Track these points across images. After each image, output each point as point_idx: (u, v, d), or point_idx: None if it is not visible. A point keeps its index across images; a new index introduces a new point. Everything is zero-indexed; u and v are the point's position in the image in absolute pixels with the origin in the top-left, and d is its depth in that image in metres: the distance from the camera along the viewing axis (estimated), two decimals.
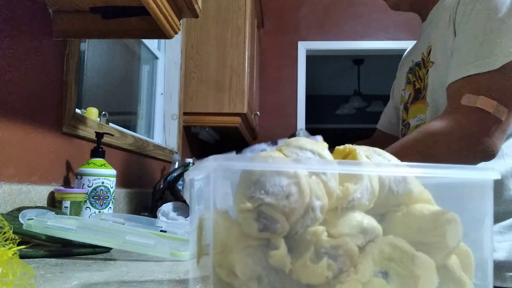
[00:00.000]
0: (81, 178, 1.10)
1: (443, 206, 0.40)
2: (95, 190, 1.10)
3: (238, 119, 2.36)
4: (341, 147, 0.43)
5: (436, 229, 0.38)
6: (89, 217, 1.07)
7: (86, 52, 1.54)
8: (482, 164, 0.86)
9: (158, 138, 2.26)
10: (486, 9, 0.86)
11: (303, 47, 3.39)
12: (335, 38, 3.40)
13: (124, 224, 0.88)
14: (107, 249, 0.77)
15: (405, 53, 1.26)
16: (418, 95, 1.04)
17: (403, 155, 0.59)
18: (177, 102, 2.31)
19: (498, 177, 0.40)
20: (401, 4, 1.11)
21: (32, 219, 0.71)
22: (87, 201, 1.09)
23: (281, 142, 0.88)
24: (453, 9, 0.93)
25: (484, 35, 0.85)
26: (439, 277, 0.37)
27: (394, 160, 0.43)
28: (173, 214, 1.20)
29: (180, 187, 1.73)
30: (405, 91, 1.11)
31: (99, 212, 1.10)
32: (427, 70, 0.99)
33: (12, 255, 0.38)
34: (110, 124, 1.54)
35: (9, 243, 0.40)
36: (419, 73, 1.04)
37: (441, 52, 0.95)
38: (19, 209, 0.84)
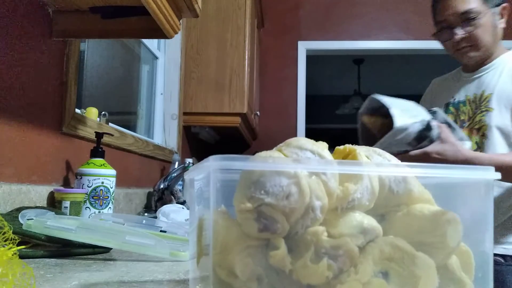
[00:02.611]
0: (81, 178, 1.10)
1: (443, 206, 0.40)
2: (95, 190, 1.10)
3: (238, 119, 2.36)
4: (341, 147, 0.43)
5: (436, 229, 0.38)
6: (89, 217, 1.07)
7: (86, 52, 1.54)
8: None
9: (158, 138, 2.26)
10: None
11: (303, 47, 3.39)
12: (335, 38, 3.40)
13: (124, 224, 0.88)
14: (107, 249, 0.77)
15: (437, 83, 1.57)
16: (463, 124, 1.37)
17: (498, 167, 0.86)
18: (177, 102, 2.31)
19: (498, 177, 0.40)
20: (471, 61, 1.38)
21: (32, 219, 0.71)
22: (87, 201, 1.09)
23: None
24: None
25: None
26: (439, 277, 0.37)
27: (394, 160, 0.43)
28: (173, 215, 1.20)
29: (180, 187, 1.73)
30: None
31: (99, 212, 1.10)
32: (483, 112, 1.32)
33: (12, 255, 0.38)
34: (110, 124, 1.54)
35: (9, 243, 0.40)
36: (463, 109, 1.38)
37: (502, 103, 1.28)
38: (19, 209, 0.84)
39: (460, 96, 1.40)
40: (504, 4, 1.33)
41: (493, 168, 0.41)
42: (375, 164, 0.40)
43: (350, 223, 0.37)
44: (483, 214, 0.41)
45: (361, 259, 0.36)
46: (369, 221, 0.37)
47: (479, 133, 1.30)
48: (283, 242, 0.35)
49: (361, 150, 0.42)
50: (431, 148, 1.15)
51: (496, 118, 1.27)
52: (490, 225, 0.41)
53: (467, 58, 1.35)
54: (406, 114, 1.13)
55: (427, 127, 1.14)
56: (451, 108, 1.42)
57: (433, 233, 0.38)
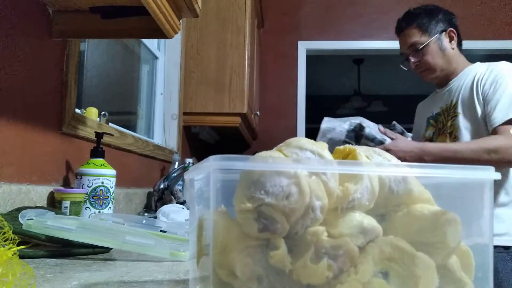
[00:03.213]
0: (81, 178, 1.10)
1: (443, 206, 0.40)
2: (95, 190, 1.10)
3: (238, 119, 2.36)
4: (341, 147, 0.43)
5: (436, 229, 0.38)
6: (89, 217, 1.07)
7: (86, 52, 1.54)
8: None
9: (158, 138, 2.26)
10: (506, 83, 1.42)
11: (303, 47, 3.39)
12: (335, 38, 3.40)
13: (124, 224, 0.88)
14: (107, 249, 0.77)
15: (420, 106, 1.84)
16: (440, 131, 1.59)
17: (468, 145, 1.40)
18: (177, 102, 2.31)
19: (498, 177, 0.40)
20: (434, 81, 1.65)
21: (32, 219, 0.71)
22: (87, 201, 1.09)
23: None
24: (476, 84, 1.48)
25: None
26: (439, 277, 0.37)
27: (394, 160, 0.43)
28: (173, 215, 1.20)
29: (180, 187, 1.73)
30: (428, 131, 1.65)
31: (99, 212, 1.10)
32: (452, 117, 1.54)
33: (12, 255, 0.38)
34: (110, 124, 1.54)
35: (9, 243, 0.40)
36: (440, 118, 1.61)
37: (465, 108, 1.50)
38: (19, 209, 0.84)
39: (436, 109, 1.64)
40: (449, 29, 1.58)
41: (493, 168, 0.41)
42: (375, 164, 0.40)
43: (350, 223, 0.37)
44: (483, 214, 0.41)
45: (361, 259, 0.36)
46: (369, 221, 0.37)
47: (452, 136, 1.53)
48: (283, 242, 0.35)
49: (361, 150, 0.42)
50: (389, 144, 1.45)
51: (462, 120, 1.49)
52: (490, 225, 0.41)
53: (428, 79, 1.63)
54: (336, 121, 1.53)
55: (360, 128, 1.48)
56: (431, 121, 1.65)
57: (433, 233, 0.38)
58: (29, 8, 1.02)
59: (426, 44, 1.55)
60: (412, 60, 1.60)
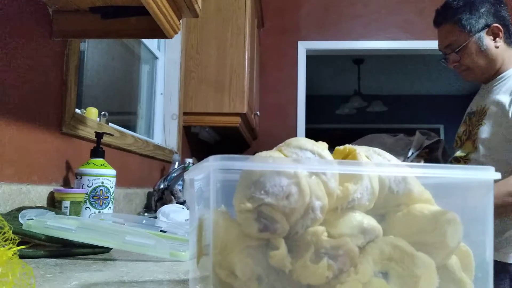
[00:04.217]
0: (81, 178, 1.10)
1: (443, 206, 0.40)
2: (95, 190, 1.10)
3: (238, 119, 2.36)
4: (341, 147, 0.43)
5: (436, 229, 0.38)
6: (89, 217, 1.07)
7: (86, 52, 1.54)
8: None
9: (158, 138, 2.26)
10: None
11: (303, 47, 3.39)
12: (335, 38, 3.40)
13: (124, 224, 0.88)
14: (107, 249, 0.77)
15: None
16: (470, 134, 1.44)
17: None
18: (177, 102, 2.31)
19: (498, 177, 0.40)
20: (477, 81, 1.49)
21: (32, 219, 0.71)
22: (87, 201, 1.09)
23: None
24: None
25: None
26: (439, 277, 0.37)
27: (394, 160, 0.43)
28: (173, 215, 1.20)
29: (180, 187, 1.73)
30: (461, 128, 1.52)
31: (99, 212, 1.10)
32: (478, 125, 1.40)
33: (12, 255, 0.38)
34: (110, 124, 1.54)
35: (9, 243, 0.40)
36: (472, 120, 1.46)
37: (491, 117, 1.35)
38: (19, 209, 0.84)
39: (474, 106, 1.50)
40: (492, 25, 1.38)
41: (493, 168, 0.41)
42: (375, 164, 0.40)
43: (350, 223, 0.37)
44: (483, 214, 0.41)
45: (361, 259, 0.36)
46: (369, 221, 0.37)
47: (474, 145, 1.40)
48: (283, 242, 0.35)
49: (361, 150, 0.42)
50: None
51: (484, 133, 1.36)
52: (490, 225, 0.41)
53: (468, 79, 1.47)
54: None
55: None
56: (467, 118, 1.52)
57: (433, 233, 0.38)
58: (29, 8, 1.02)
59: (464, 45, 1.39)
60: (451, 61, 1.44)
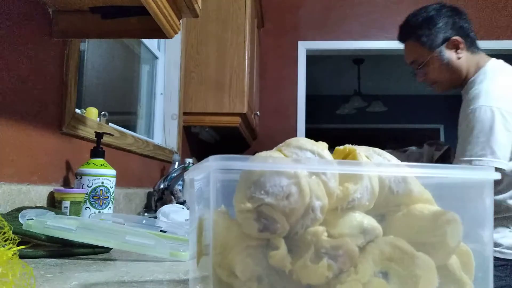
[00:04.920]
0: (81, 178, 1.10)
1: (443, 206, 0.40)
2: (95, 190, 1.10)
3: (238, 119, 2.36)
4: (341, 147, 0.43)
5: (436, 229, 0.38)
6: (89, 217, 1.07)
7: (86, 52, 1.54)
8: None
9: (158, 138, 2.26)
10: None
11: (303, 47, 3.39)
12: (335, 38, 3.40)
13: (124, 224, 0.88)
14: (106, 249, 0.77)
15: None
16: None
17: None
18: (177, 102, 2.31)
19: (498, 177, 0.40)
20: (448, 90, 1.52)
21: (32, 219, 0.71)
22: (87, 201, 1.09)
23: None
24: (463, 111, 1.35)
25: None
26: (439, 277, 0.37)
27: (394, 160, 0.43)
28: (173, 215, 1.20)
29: (180, 187, 1.73)
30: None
31: (99, 212, 1.10)
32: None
33: (12, 255, 0.38)
34: (110, 124, 1.54)
35: (9, 243, 0.40)
36: None
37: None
38: (19, 209, 0.84)
39: None
40: (452, 38, 1.41)
41: (493, 168, 0.41)
42: (375, 164, 0.40)
43: (350, 223, 0.37)
44: (483, 214, 0.41)
45: (361, 259, 0.36)
46: (369, 221, 0.37)
47: None
48: (283, 242, 0.35)
49: (361, 150, 0.42)
50: None
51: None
52: (490, 225, 0.41)
53: (438, 91, 1.54)
54: None
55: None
56: None
57: (433, 233, 0.38)
58: (29, 8, 1.02)
59: (426, 61, 1.44)
60: (418, 76, 1.50)
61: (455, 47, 1.42)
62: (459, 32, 1.43)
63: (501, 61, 1.45)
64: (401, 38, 1.54)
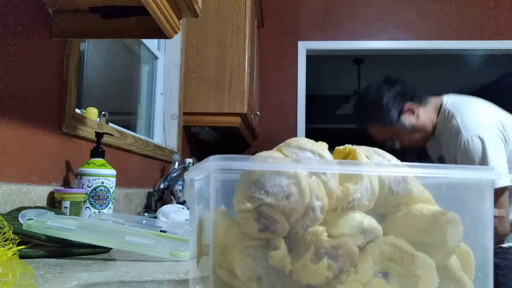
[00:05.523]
0: (81, 178, 1.10)
1: (443, 206, 0.40)
2: (95, 190, 1.10)
3: (238, 119, 2.36)
4: (341, 147, 0.43)
5: (436, 229, 0.38)
6: (89, 217, 1.07)
7: (86, 52, 1.54)
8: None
9: (158, 138, 2.26)
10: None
11: (303, 47, 3.39)
12: (335, 38, 3.40)
13: (124, 224, 0.88)
14: (106, 249, 0.77)
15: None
16: None
17: None
18: (177, 102, 2.31)
19: (498, 177, 0.40)
20: (426, 140, 1.64)
21: (32, 219, 0.71)
22: (87, 201, 1.09)
23: None
24: (453, 146, 1.46)
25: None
26: (439, 277, 0.37)
27: (394, 160, 0.43)
28: (173, 215, 1.20)
29: (180, 187, 1.73)
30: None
31: (99, 212, 1.10)
32: None
33: (12, 255, 0.38)
34: (110, 124, 1.54)
35: (9, 243, 0.40)
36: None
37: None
38: (19, 209, 0.84)
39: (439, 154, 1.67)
40: (405, 107, 1.54)
41: (493, 168, 0.41)
42: (375, 164, 0.40)
43: (350, 223, 0.37)
44: (483, 214, 0.41)
45: (361, 259, 0.36)
46: (369, 221, 0.37)
47: None
48: (283, 242, 0.35)
49: (361, 150, 0.42)
50: None
51: None
52: (490, 225, 0.41)
53: (419, 146, 1.64)
54: None
55: None
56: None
57: (433, 233, 0.38)
58: (29, 8, 1.02)
59: (395, 135, 1.57)
60: (395, 147, 1.61)
61: (411, 111, 1.55)
62: (405, 98, 1.55)
63: (450, 95, 1.58)
64: (366, 123, 1.65)
